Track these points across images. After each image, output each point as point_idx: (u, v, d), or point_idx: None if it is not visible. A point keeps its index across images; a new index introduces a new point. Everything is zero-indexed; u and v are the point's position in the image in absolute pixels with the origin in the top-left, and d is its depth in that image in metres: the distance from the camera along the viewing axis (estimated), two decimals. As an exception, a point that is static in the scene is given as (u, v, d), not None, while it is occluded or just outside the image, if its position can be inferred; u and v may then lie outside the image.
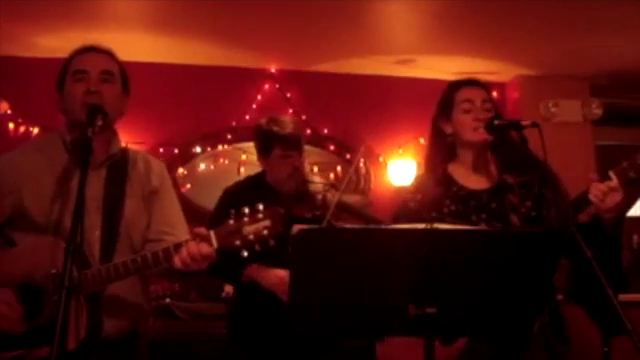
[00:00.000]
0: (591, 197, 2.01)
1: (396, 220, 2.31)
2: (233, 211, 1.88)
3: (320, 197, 2.85)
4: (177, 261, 1.90)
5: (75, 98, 2.07)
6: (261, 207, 1.87)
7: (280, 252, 1.89)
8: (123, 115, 2.20)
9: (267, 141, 2.93)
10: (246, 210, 1.87)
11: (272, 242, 1.85)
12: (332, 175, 5.17)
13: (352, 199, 2.98)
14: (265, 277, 2.82)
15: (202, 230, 1.92)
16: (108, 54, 2.18)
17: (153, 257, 1.92)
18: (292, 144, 2.91)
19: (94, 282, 1.92)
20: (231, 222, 1.87)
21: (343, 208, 2.79)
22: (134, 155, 2.24)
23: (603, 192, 1.99)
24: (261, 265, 2.82)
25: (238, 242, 1.86)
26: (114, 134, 2.20)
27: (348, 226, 2.64)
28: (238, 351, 2.97)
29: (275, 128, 2.91)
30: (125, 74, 2.20)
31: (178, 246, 1.92)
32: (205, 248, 1.89)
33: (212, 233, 1.89)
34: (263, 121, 3.01)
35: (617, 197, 2.00)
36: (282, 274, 2.74)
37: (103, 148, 2.13)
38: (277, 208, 1.89)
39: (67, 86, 2.12)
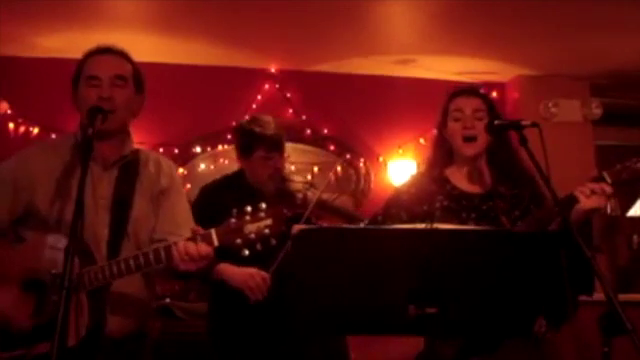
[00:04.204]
0: (577, 192, 2.05)
1: (386, 210, 2.36)
2: (235, 210, 1.87)
3: (301, 196, 2.84)
4: (175, 259, 1.88)
5: (88, 104, 2.08)
6: (264, 206, 1.85)
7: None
8: (137, 115, 2.22)
9: (249, 142, 2.90)
10: (248, 209, 1.86)
11: (274, 241, 1.84)
12: (332, 175, 5.16)
13: (339, 200, 2.97)
14: (233, 275, 2.78)
15: (201, 229, 1.91)
16: (122, 56, 2.18)
17: (155, 254, 1.92)
18: (274, 146, 2.89)
19: (96, 278, 1.92)
20: (233, 220, 1.86)
21: (323, 206, 2.79)
22: (146, 156, 2.26)
23: (592, 190, 2.03)
24: (230, 264, 2.78)
25: (239, 240, 1.84)
26: (127, 135, 2.22)
27: (348, 226, 2.65)
28: (218, 352, 2.95)
29: (257, 129, 2.88)
30: (139, 74, 2.20)
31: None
32: (203, 247, 1.88)
33: (213, 231, 1.88)
34: (244, 121, 3.01)
35: (601, 201, 2.04)
36: (251, 271, 2.73)
37: (116, 149, 2.15)
38: (280, 208, 1.89)
39: (81, 90, 2.13)
